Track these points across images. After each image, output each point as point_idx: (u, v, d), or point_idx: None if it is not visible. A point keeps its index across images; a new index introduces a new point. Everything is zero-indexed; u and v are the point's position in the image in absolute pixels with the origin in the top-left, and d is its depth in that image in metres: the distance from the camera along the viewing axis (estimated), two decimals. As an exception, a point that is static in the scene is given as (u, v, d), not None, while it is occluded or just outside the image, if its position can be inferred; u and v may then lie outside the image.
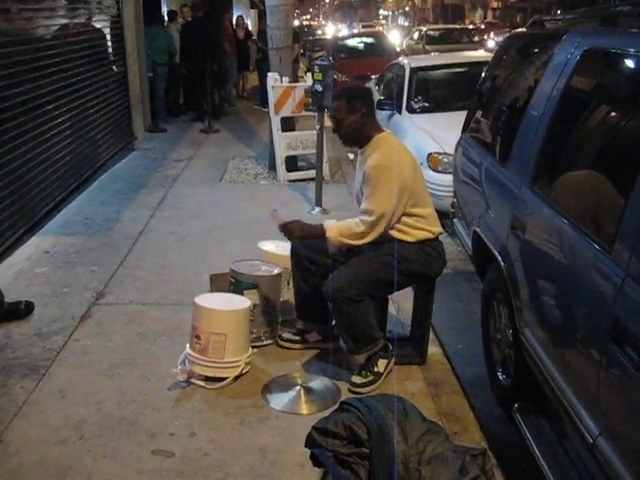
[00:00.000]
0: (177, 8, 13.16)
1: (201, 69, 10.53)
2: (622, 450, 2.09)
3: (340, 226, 3.36)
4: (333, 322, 3.56)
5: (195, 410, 3.21)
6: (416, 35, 25.45)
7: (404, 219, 3.36)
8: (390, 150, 3.37)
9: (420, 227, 3.39)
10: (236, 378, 3.41)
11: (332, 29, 43.27)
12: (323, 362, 3.62)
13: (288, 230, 3.50)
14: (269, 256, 4.03)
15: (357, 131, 3.45)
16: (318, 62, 6.58)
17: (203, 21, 11.42)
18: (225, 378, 3.37)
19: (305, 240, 3.52)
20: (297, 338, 3.78)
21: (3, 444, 2.93)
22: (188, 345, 3.45)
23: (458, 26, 29.95)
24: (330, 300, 3.36)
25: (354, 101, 3.42)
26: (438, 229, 3.48)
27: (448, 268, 3.73)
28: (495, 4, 49.92)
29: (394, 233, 3.38)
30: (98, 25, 7.88)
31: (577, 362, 2.51)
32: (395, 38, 30.42)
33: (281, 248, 4.09)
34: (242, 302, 3.55)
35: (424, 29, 25.17)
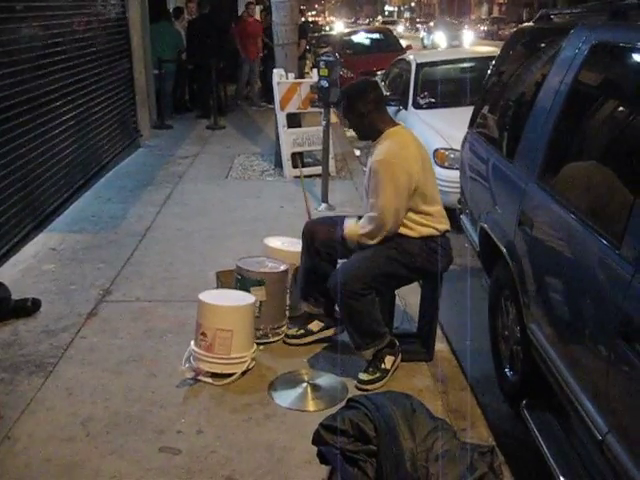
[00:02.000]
0: (182, 4, 13.12)
1: (207, 66, 10.53)
2: (631, 447, 2.08)
3: (356, 226, 3.42)
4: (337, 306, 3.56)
5: (202, 407, 3.21)
6: None
7: (410, 215, 3.36)
8: (398, 144, 3.36)
9: (425, 224, 3.39)
10: (243, 374, 3.41)
11: (339, 26, 42.71)
12: (330, 359, 3.62)
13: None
14: (275, 252, 4.02)
15: (365, 126, 3.46)
16: (324, 58, 6.54)
17: (209, 17, 11.41)
18: (232, 374, 3.37)
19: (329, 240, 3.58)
20: (302, 332, 3.78)
21: (11, 441, 2.93)
22: (193, 342, 3.45)
23: None
24: (335, 294, 3.36)
25: (356, 98, 3.42)
26: (445, 226, 3.47)
27: (455, 264, 3.71)
28: (501, -1, 49.74)
29: (399, 228, 3.37)
30: (103, 22, 7.87)
31: (585, 359, 2.49)
32: (441, 40, 26.48)
33: (287, 244, 4.09)
34: (246, 297, 3.55)
35: None
